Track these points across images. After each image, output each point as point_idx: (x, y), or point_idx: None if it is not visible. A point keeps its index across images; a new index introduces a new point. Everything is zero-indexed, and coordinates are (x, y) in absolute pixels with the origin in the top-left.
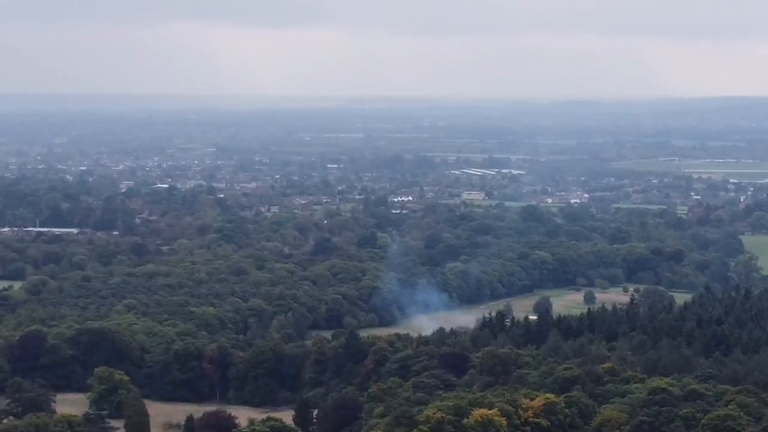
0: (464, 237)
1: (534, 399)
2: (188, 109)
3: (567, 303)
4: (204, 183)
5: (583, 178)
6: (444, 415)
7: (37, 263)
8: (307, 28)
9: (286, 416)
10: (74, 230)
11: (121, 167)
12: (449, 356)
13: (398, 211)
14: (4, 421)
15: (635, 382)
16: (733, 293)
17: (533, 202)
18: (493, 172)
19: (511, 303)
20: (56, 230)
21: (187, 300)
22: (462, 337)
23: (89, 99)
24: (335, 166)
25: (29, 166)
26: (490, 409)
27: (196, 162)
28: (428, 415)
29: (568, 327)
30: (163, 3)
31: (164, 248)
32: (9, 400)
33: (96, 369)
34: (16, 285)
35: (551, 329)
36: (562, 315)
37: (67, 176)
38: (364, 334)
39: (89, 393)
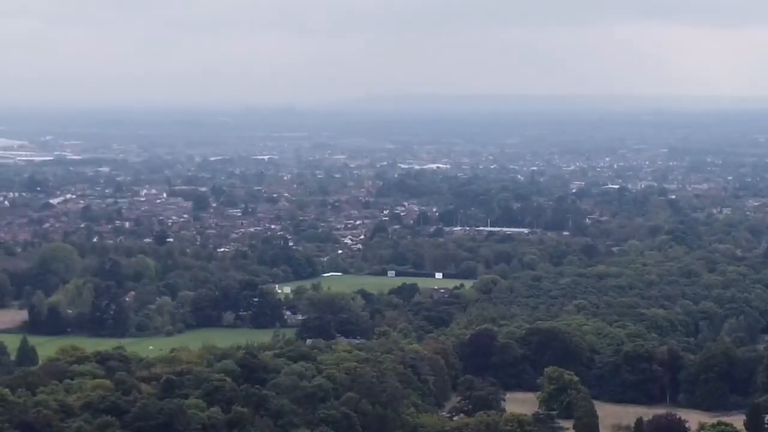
0: None
1: None
2: (641, 110)
3: None
4: (655, 184)
5: None
6: None
7: (488, 262)
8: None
9: (737, 421)
10: (525, 230)
11: (572, 167)
12: None
13: None
14: (455, 418)
15: None
16: None
17: None
18: None
19: None
20: (507, 230)
21: (637, 301)
22: None
23: (537, 100)
24: None
25: (481, 166)
26: None
27: (647, 163)
28: None
29: None
30: (622, 4)
31: (614, 249)
32: (460, 397)
33: (546, 369)
34: (468, 284)
35: None
36: None
37: (519, 176)
38: None
39: (539, 393)
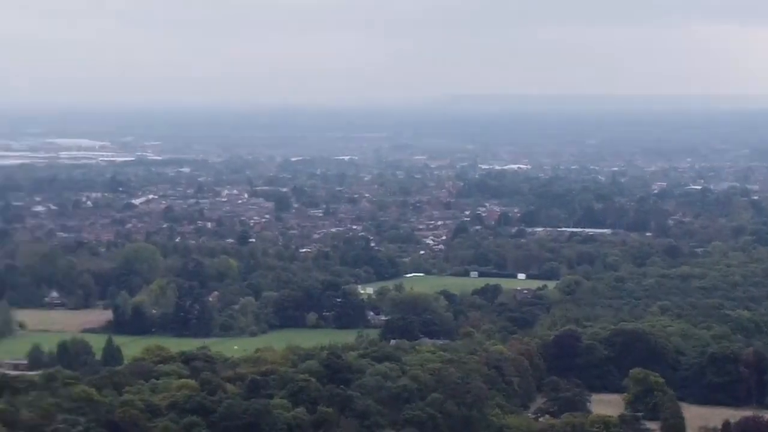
0: None
1: None
2: (723, 110)
3: None
4: (737, 184)
5: None
6: None
7: (570, 263)
8: None
9: None
10: (607, 231)
11: (653, 168)
12: None
13: None
14: (541, 419)
15: None
16: None
17: None
18: None
19: None
20: (589, 230)
21: (721, 303)
22: None
23: (619, 100)
24: None
25: (562, 167)
26: None
27: (729, 163)
28: None
29: None
30: (701, 3)
31: (698, 250)
32: (545, 399)
33: (631, 370)
34: (551, 285)
35: None
36: None
37: (600, 177)
38: None
39: (625, 394)
